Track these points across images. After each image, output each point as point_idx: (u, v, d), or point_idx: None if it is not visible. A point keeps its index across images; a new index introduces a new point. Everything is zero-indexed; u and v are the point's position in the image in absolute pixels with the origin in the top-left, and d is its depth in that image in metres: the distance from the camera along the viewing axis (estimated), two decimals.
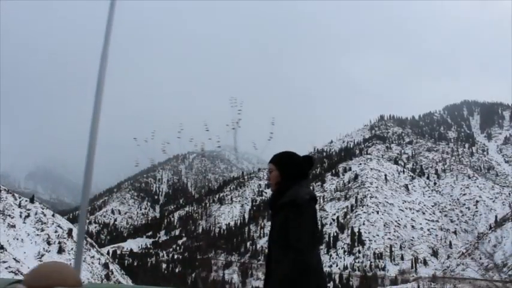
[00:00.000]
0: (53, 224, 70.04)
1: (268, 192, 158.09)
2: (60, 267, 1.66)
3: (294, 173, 3.14)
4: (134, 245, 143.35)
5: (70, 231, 71.78)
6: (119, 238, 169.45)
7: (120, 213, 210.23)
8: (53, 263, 1.70)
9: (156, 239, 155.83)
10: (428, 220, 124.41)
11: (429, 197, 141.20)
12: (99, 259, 72.26)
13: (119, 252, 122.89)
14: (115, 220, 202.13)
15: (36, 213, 69.57)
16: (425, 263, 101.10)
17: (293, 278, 2.78)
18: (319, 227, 3.29)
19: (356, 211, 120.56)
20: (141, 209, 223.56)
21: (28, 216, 68.08)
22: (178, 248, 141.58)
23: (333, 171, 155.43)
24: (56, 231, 68.35)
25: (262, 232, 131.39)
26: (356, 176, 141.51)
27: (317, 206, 3.16)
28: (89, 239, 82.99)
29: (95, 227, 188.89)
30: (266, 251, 3.30)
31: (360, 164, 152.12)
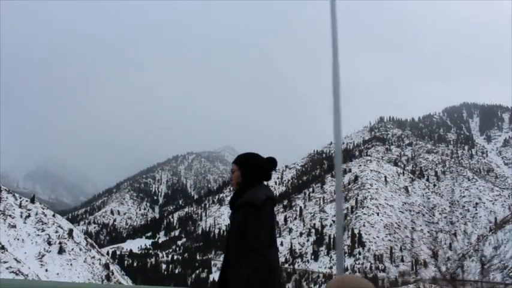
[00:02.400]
0: (53, 224, 69.94)
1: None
2: (360, 282, 1.64)
3: (255, 174, 3.21)
4: (134, 245, 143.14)
5: (70, 231, 71.73)
6: (118, 239, 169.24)
7: (119, 213, 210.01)
8: (352, 277, 1.69)
9: (156, 239, 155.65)
10: (428, 222, 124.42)
11: (429, 198, 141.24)
12: (100, 260, 72.15)
13: (118, 252, 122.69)
14: (114, 221, 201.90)
15: (36, 214, 69.48)
16: (425, 264, 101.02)
17: (254, 277, 2.80)
18: (276, 227, 3.26)
19: (356, 212, 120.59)
20: (140, 210, 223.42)
21: (29, 216, 67.98)
22: (178, 248, 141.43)
23: (333, 172, 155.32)
24: (56, 232, 68.24)
25: None
26: (356, 178, 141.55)
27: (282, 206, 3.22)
28: (89, 240, 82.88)
29: (94, 228, 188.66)
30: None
31: (360, 165, 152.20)
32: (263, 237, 2.91)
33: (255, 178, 3.20)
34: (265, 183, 3.27)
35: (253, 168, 3.23)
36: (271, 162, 3.31)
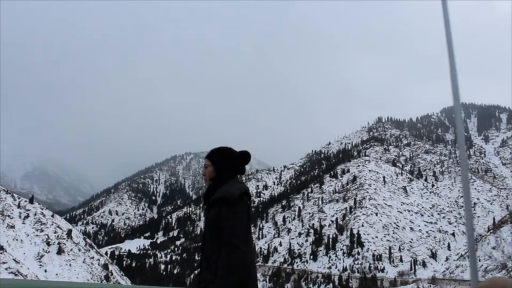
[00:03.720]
0: (52, 224, 69.67)
1: (266, 193, 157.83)
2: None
3: (228, 168, 3.16)
4: (132, 246, 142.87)
5: (69, 231, 71.47)
6: (117, 239, 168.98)
7: (117, 214, 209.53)
8: (503, 278, 1.63)
9: (154, 240, 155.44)
10: (427, 222, 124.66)
11: (427, 199, 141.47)
12: (99, 260, 71.92)
13: (117, 253, 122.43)
14: (112, 221, 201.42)
15: (35, 214, 69.19)
16: (424, 264, 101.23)
17: (231, 274, 2.77)
18: (251, 222, 3.21)
19: (355, 213, 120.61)
20: (138, 210, 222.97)
21: (27, 216, 67.69)
22: (176, 249, 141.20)
23: (331, 172, 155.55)
24: (55, 232, 67.96)
25: (260, 233, 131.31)
26: (354, 178, 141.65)
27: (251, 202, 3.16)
28: (88, 240, 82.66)
29: (92, 228, 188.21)
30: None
31: (358, 165, 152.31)
32: (239, 233, 2.87)
33: (229, 173, 3.15)
34: (239, 177, 3.21)
35: (226, 162, 3.17)
36: (244, 156, 3.24)
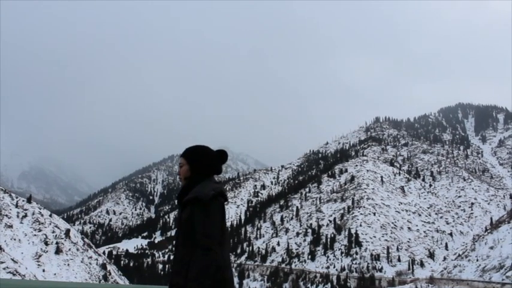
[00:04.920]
0: (50, 224, 69.45)
1: (264, 193, 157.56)
2: None
3: (204, 168, 3.09)
4: (130, 245, 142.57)
5: (67, 231, 71.26)
6: (114, 238, 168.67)
7: (115, 213, 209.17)
8: None
9: (152, 239, 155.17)
10: (424, 222, 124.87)
11: (425, 198, 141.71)
12: (97, 260, 71.74)
13: (114, 252, 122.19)
14: (110, 220, 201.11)
15: (33, 214, 68.96)
16: (422, 264, 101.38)
17: (204, 277, 2.71)
18: (226, 223, 3.13)
19: (353, 212, 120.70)
20: (136, 210, 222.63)
21: (25, 216, 67.45)
22: (174, 248, 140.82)
23: (329, 172, 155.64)
24: (53, 232, 67.76)
25: (258, 233, 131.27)
26: (352, 178, 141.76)
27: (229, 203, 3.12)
28: (86, 240, 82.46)
29: (90, 228, 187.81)
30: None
31: (356, 165, 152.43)
32: (212, 235, 2.80)
33: (204, 172, 3.07)
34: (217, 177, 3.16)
35: (202, 161, 3.09)
36: (221, 155, 3.17)
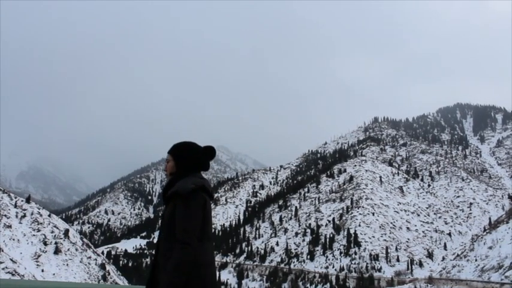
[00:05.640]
0: (49, 224, 69.35)
1: (263, 193, 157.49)
2: None
3: (189, 164, 3.08)
4: (128, 245, 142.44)
5: (66, 231, 71.17)
6: (113, 239, 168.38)
7: (113, 213, 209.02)
8: None
9: (151, 239, 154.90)
10: (423, 222, 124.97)
11: (423, 199, 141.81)
12: (96, 260, 71.66)
13: (113, 252, 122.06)
14: (108, 220, 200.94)
15: (32, 214, 68.85)
16: (420, 264, 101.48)
17: (179, 273, 2.66)
18: (211, 219, 3.12)
19: (352, 212, 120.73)
20: (134, 210, 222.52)
21: (24, 216, 67.35)
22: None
23: (328, 172, 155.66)
24: (52, 232, 67.67)
25: (257, 233, 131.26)
26: (351, 178, 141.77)
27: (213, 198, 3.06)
28: (85, 240, 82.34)
29: (88, 228, 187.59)
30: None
31: (355, 165, 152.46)
32: (191, 229, 2.76)
33: (190, 168, 3.06)
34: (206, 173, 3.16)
35: (188, 157, 3.08)
36: (209, 151, 3.16)
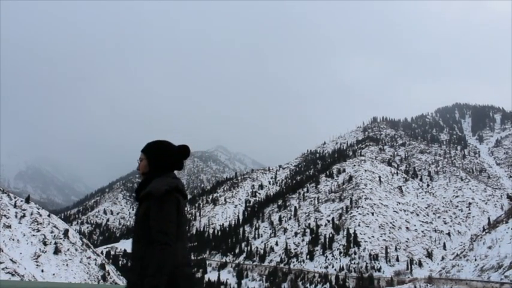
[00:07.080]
0: (48, 224, 69.23)
1: (262, 193, 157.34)
2: None
3: (163, 163, 3.07)
4: (127, 245, 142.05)
5: (66, 231, 71.05)
6: (112, 238, 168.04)
7: (112, 213, 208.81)
8: None
9: None
10: (422, 222, 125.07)
11: (422, 198, 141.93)
12: (96, 260, 71.56)
13: (112, 252, 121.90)
14: (107, 220, 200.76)
15: (31, 214, 68.72)
16: (420, 264, 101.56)
17: (160, 274, 2.67)
18: (187, 220, 3.31)
19: (351, 212, 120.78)
20: (133, 209, 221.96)
21: (24, 216, 67.21)
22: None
23: (327, 172, 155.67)
24: (52, 232, 67.55)
25: (257, 233, 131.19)
26: (350, 178, 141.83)
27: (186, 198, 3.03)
28: (84, 240, 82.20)
29: (87, 228, 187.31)
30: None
31: (354, 165, 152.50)
32: (167, 230, 2.75)
33: (163, 167, 3.04)
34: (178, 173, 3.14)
35: (161, 157, 3.05)
36: (183, 151, 3.12)
